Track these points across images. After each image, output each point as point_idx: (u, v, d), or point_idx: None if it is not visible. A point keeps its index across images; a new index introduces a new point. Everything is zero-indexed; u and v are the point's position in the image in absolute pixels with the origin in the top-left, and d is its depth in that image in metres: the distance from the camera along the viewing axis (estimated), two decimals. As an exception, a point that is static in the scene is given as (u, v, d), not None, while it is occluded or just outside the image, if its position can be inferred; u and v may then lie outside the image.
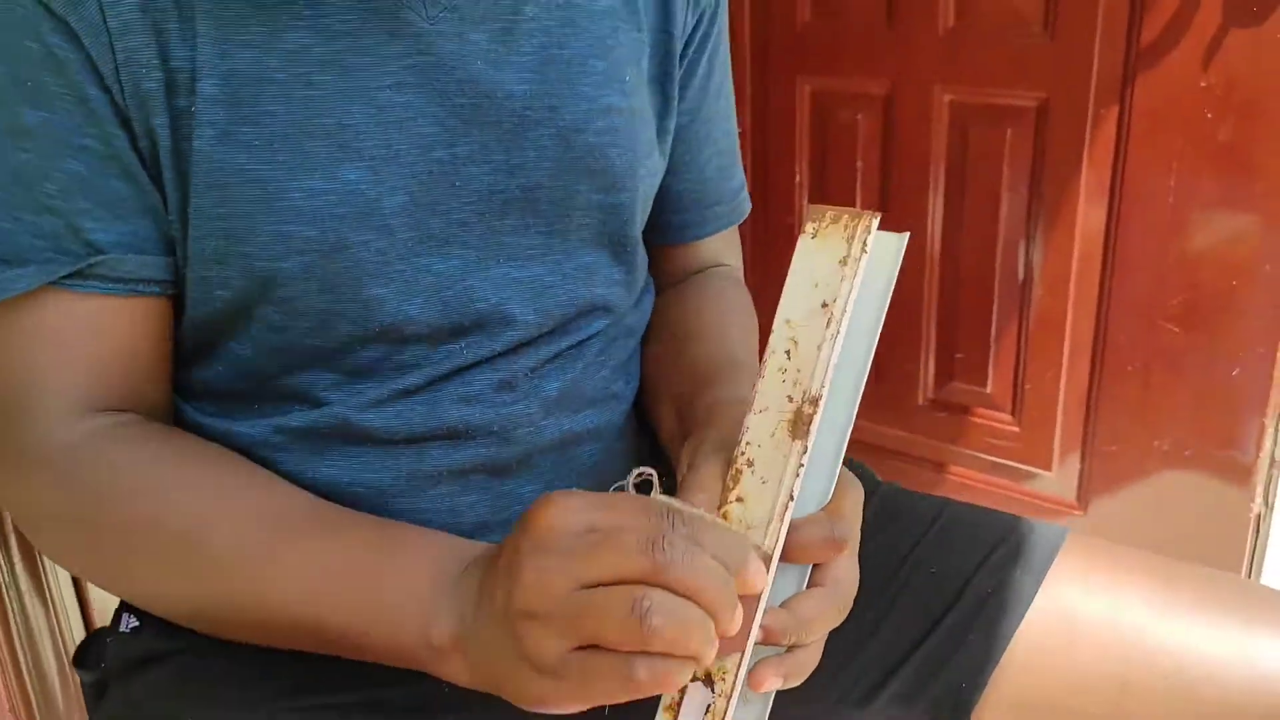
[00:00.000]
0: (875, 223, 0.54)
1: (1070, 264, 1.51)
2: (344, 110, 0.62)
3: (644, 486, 0.54)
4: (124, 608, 0.74)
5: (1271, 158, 1.32)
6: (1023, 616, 0.71)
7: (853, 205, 1.66)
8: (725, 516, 0.53)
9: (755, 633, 0.51)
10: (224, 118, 0.60)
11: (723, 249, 0.88)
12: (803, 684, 0.71)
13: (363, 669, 0.61)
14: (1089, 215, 1.48)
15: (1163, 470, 1.52)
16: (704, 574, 0.47)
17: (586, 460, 0.74)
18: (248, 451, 0.67)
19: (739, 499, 0.53)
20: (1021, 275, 1.56)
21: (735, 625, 0.48)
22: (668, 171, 0.79)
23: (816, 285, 0.53)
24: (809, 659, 0.55)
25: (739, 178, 0.87)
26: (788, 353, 0.53)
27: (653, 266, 0.85)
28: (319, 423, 0.67)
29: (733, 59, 0.86)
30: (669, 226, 0.83)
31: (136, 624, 0.72)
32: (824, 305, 0.53)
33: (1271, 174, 1.32)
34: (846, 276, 0.52)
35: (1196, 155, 1.37)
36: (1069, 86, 1.44)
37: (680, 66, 0.76)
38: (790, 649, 0.54)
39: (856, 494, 0.58)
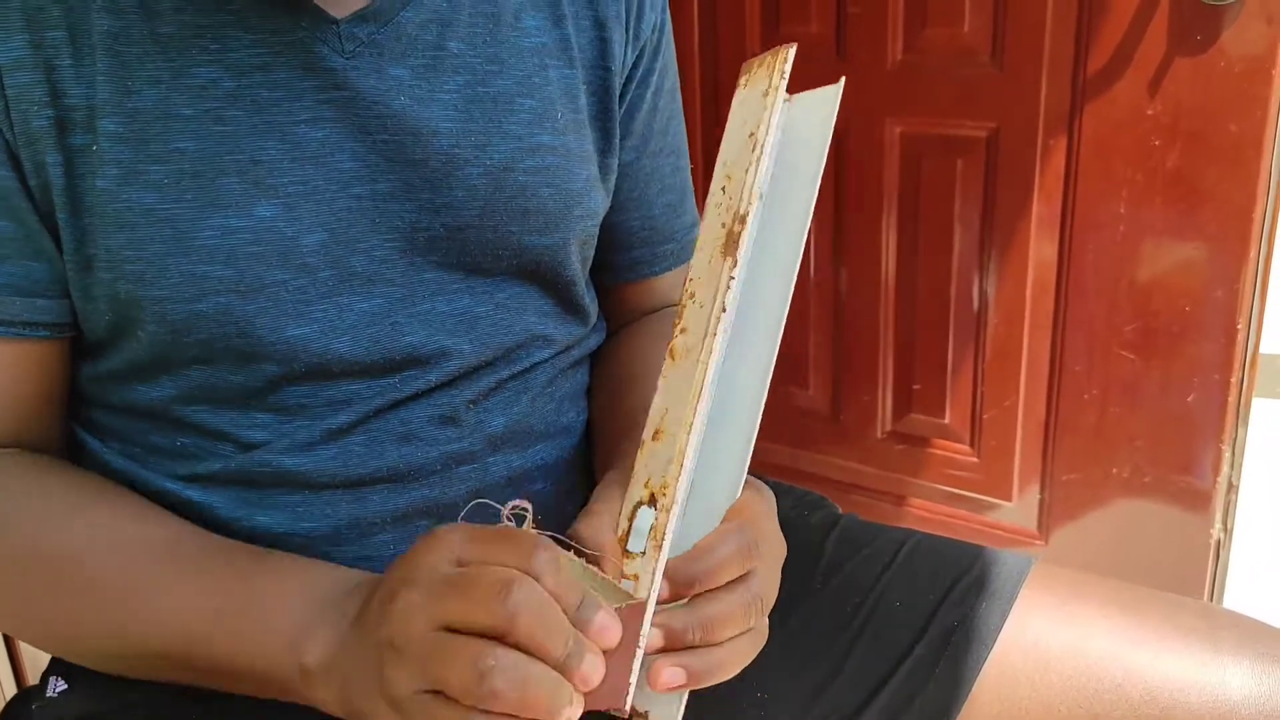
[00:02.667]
0: (791, 52, 0.55)
1: (1024, 293, 1.51)
2: (257, 146, 0.60)
3: (521, 519, 0.53)
4: (51, 670, 0.71)
5: (1219, 183, 1.33)
6: (990, 648, 0.70)
7: (808, 240, 1.66)
8: (670, 352, 0.54)
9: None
10: (130, 156, 0.58)
11: (678, 287, 0.86)
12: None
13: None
14: (1041, 244, 1.48)
15: (1122, 498, 1.52)
16: (552, 632, 0.47)
17: (538, 498, 0.72)
18: (176, 501, 0.65)
19: (683, 330, 0.54)
20: (976, 305, 1.57)
21: (590, 680, 0.48)
22: (616, 209, 0.78)
23: (745, 123, 0.54)
24: (720, 659, 0.52)
25: (691, 214, 0.85)
26: (723, 189, 0.54)
27: (607, 304, 0.83)
28: (249, 467, 0.65)
29: (684, 93, 0.84)
30: (619, 265, 0.81)
31: (65, 687, 0.69)
32: (750, 135, 0.54)
33: (1219, 199, 1.34)
34: (767, 106, 0.54)
35: (1145, 182, 1.38)
36: (1018, 116, 1.45)
37: (622, 103, 0.75)
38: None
39: (765, 501, 0.57)
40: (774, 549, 0.57)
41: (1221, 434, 1.42)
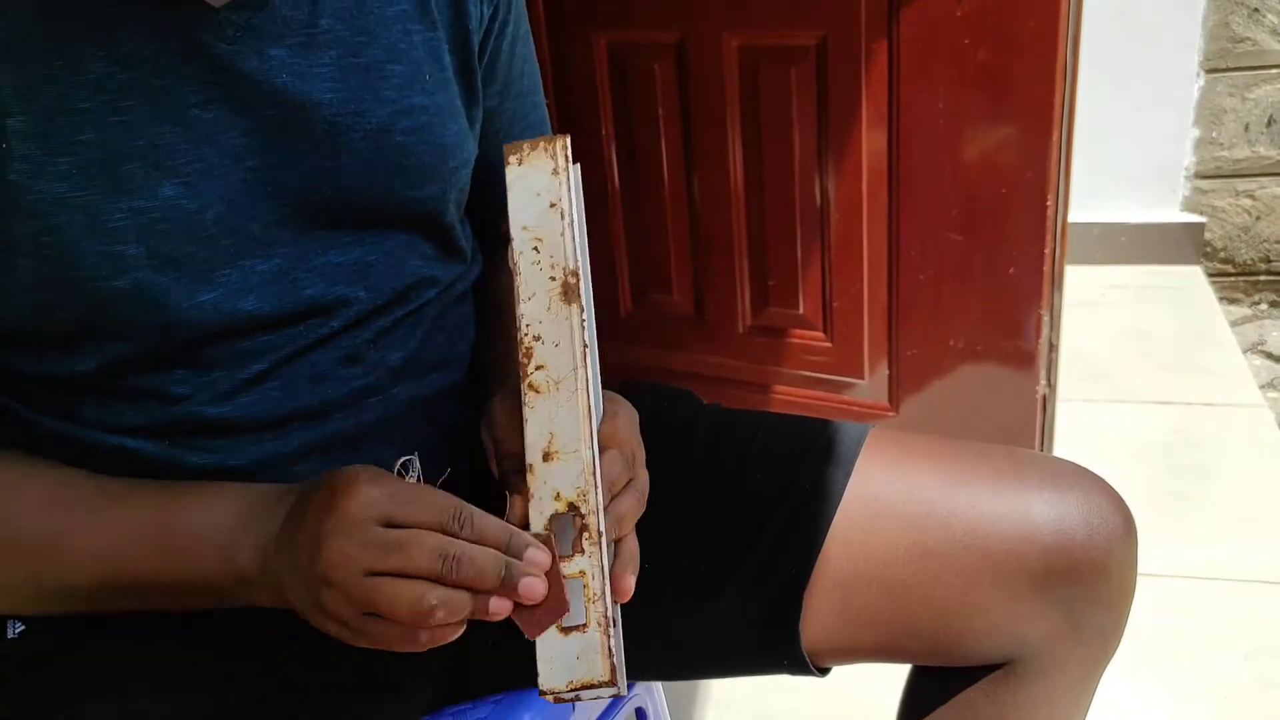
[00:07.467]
0: (569, 140, 0.67)
1: (860, 188, 1.63)
2: (154, 131, 0.64)
3: (408, 467, 0.68)
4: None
5: (1024, 73, 1.46)
6: (837, 505, 0.80)
7: (659, 150, 1.75)
8: (531, 387, 0.63)
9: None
10: (38, 150, 0.62)
11: None
12: (662, 592, 0.80)
13: (257, 633, 0.68)
14: (872, 141, 1.60)
15: (960, 365, 1.68)
16: (484, 571, 0.58)
17: (439, 420, 0.80)
18: (107, 449, 0.70)
19: (539, 367, 0.64)
20: (819, 202, 1.68)
21: (535, 592, 0.58)
22: (488, 150, 0.84)
23: (539, 194, 0.66)
24: (634, 549, 0.65)
25: None
26: (535, 248, 0.65)
27: (482, 237, 0.90)
28: (175, 419, 0.70)
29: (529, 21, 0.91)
30: (492, 200, 0.88)
31: (23, 628, 0.74)
32: (552, 205, 0.65)
33: (1025, 89, 1.47)
34: (562, 181, 0.66)
35: (960, 78, 1.50)
36: (843, 23, 1.55)
37: (484, 55, 0.81)
38: (618, 548, 0.64)
39: (627, 417, 0.68)
40: (640, 452, 0.69)
41: (1040, 300, 1.58)
